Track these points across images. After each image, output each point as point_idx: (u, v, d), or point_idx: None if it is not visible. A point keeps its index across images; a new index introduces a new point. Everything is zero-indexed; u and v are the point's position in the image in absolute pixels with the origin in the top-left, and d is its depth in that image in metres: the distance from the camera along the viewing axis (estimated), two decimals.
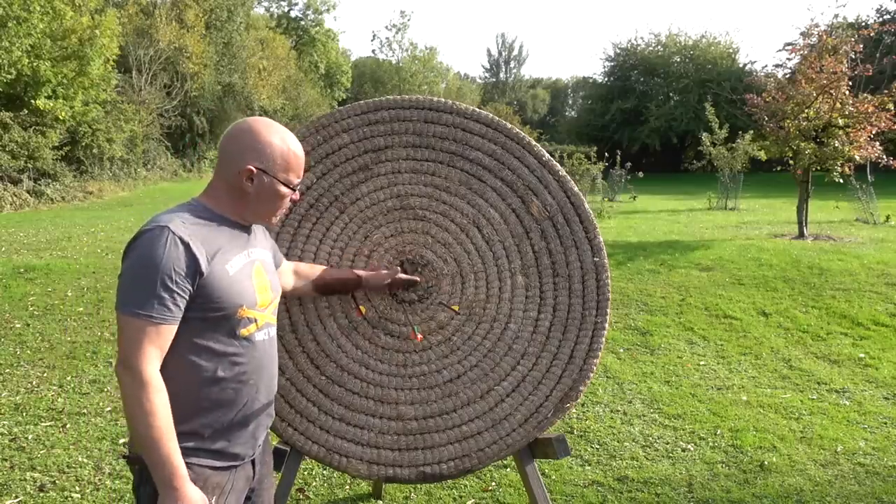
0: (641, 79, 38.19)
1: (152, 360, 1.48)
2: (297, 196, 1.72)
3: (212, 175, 1.71)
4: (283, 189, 1.66)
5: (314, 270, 2.19)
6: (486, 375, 2.35)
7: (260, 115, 30.24)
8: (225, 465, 1.64)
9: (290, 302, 2.28)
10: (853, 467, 3.57)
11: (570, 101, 62.09)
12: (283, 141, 1.65)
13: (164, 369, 1.54)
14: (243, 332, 1.62)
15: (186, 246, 1.50)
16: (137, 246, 1.51)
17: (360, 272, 2.26)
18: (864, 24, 24.27)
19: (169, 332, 1.51)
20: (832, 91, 9.10)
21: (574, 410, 4.23)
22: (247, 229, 1.72)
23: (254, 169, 1.62)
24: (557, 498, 3.24)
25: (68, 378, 4.70)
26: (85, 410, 4.17)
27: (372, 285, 2.27)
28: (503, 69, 63.90)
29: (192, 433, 1.58)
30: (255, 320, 1.65)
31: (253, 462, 1.75)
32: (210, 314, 1.56)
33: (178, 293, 1.50)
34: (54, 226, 11.34)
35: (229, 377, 1.61)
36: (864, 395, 4.58)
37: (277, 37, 37.98)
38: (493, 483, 3.38)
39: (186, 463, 1.55)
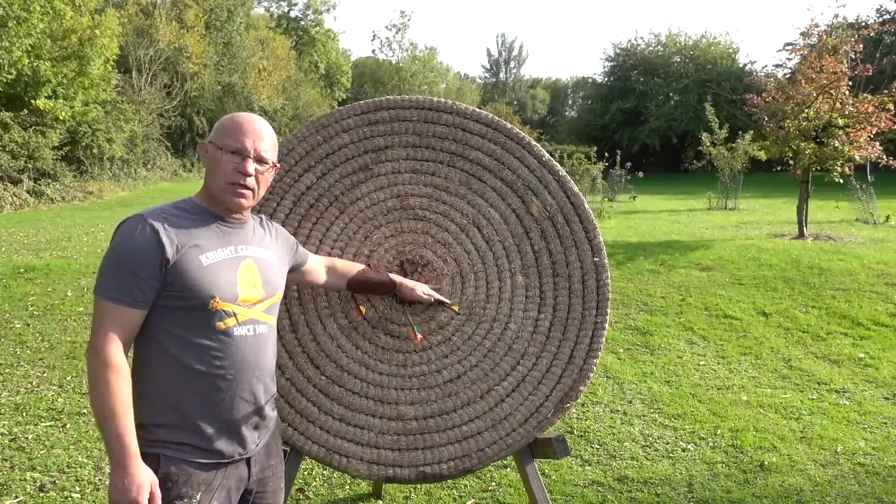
0: (641, 79, 38.14)
1: (114, 342, 1.52)
2: (245, 165, 1.65)
3: None
4: (217, 152, 1.67)
5: (351, 269, 2.21)
6: (486, 375, 2.35)
7: (260, 115, 30.23)
8: (210, 462, 1.64)
9: (289, 302, 2.28)
10: (853, 467, 3.57)
11: (570, 101, 62.03)
12: (230, 116, 1.72)
13: (147, 359, 1.61)
14: (220, 325, 1.62)
15: (155, 233, 1.56)
16: (114, 234, 1.62)
17: (396, 278, 2.26)
18: (864, 24, 24.25)
19: (133, 315, 1.56)
20: (832, 91, 9.09)
21: (574, 410, 4.23)
22: (239, 227, 1.73)
23: (205, 143, 1.71)
24: (557, 498, 3.24)
25: (68, 378, 4.70)
26: (85, 410, 4.17)
27: (404, 294, 2.27)
28: (503, 69, 63.88)
29: (172, 425, 1.61)
30: (235, 315, 1.64)
31: (248, 463, 1.73)
32: (183, 303, 1.59)
33: (142, 278, 1.54)
34: (54, 226, 11.33)
35: (207, 371, 1.62)
36: (864, 395, 4.58)
37: (277, 37, 37.97)
38: (493, 483, 3.38)
39: (169, 457, 1.59)
